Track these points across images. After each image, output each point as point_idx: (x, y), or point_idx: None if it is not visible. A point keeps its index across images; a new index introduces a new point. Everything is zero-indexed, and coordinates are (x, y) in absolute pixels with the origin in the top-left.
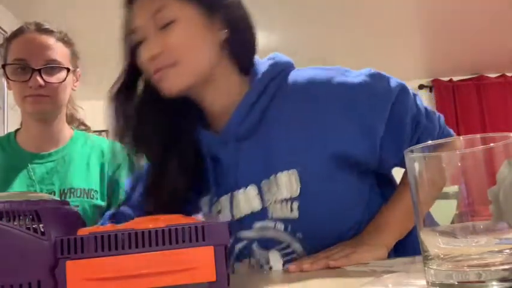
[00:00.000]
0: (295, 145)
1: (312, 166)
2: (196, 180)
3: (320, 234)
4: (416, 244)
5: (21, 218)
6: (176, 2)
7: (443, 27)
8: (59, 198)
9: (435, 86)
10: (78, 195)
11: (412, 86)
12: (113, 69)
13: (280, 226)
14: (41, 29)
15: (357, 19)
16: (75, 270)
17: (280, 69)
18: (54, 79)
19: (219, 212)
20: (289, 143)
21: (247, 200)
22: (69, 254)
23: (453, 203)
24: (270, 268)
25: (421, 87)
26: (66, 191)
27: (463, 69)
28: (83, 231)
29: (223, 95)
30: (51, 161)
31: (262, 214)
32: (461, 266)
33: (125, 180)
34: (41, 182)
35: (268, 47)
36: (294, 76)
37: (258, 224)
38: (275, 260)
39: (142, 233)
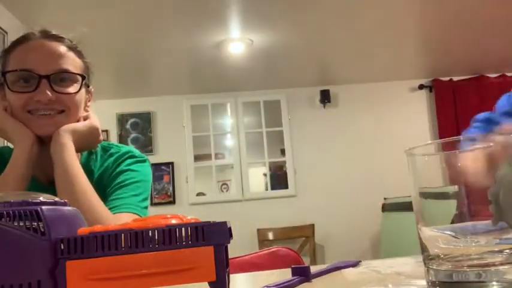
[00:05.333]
0: None
1: None
2: None
3: None
4: None
5: (21, 218)
6: None
7: (443, 27)
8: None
9: (435, 86)
10: None
11: (412, 86)
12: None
13: None
14: (49, 35)
15: (358, 19)
16: (75, 270)
17: None
18: (66, 90)
19: None
20: None
21: None
22: (69, 254)
23: (453, 203)
24: None
25: (421, 87)
26: None
27: (463, 69)
28: (83, 231)
29: None
30: None
31: None
32: (461, 266)
33: None
34: None
35: (270, 46)
36: None
37: None
38: None
39: (142, 233)
